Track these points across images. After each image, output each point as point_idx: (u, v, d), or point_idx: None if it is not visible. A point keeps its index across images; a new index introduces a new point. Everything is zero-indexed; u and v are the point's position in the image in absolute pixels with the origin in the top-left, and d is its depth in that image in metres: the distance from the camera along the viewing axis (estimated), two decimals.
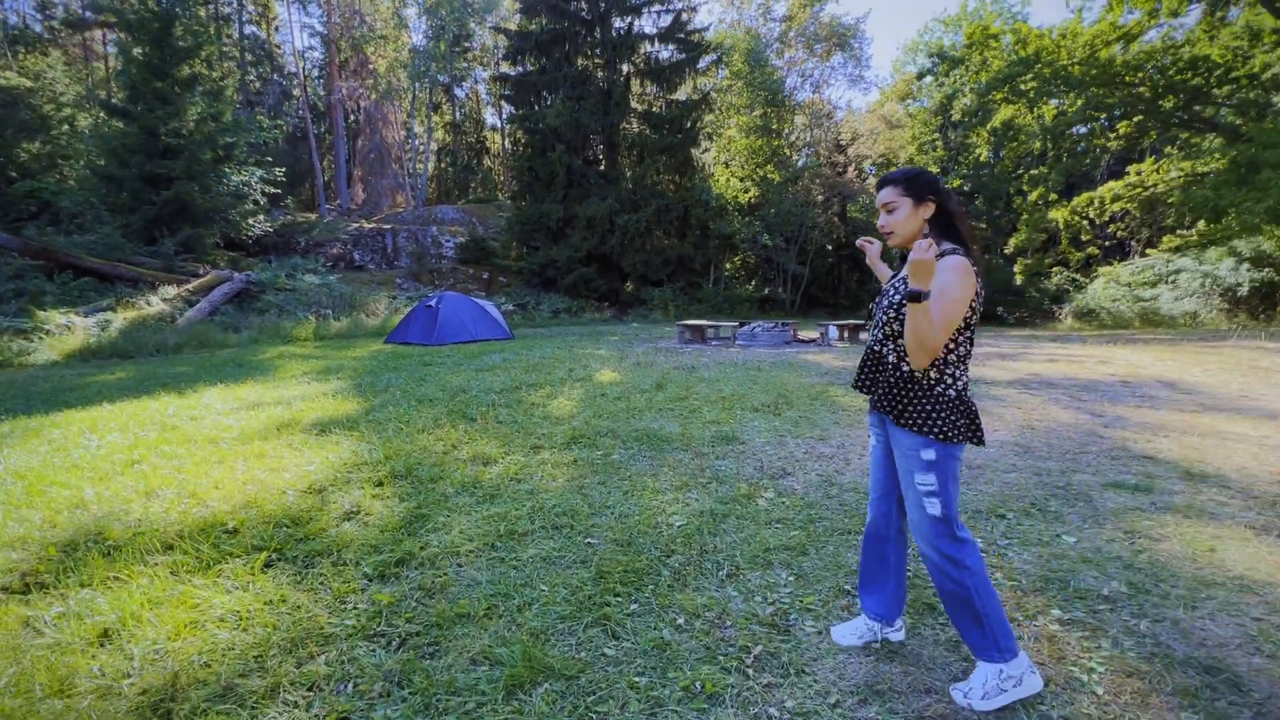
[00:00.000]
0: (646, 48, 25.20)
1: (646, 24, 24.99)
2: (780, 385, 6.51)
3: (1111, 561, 2.64)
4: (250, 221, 20.71)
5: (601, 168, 25.13)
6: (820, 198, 25.66)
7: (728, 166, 26.55)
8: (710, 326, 11.75)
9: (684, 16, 24.19)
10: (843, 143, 27.28)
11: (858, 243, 2.45)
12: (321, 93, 29.35)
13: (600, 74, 24.56)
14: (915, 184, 1.93)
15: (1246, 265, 16.69)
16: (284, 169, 24.28)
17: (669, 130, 24.11)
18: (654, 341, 12.78)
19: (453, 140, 35.10)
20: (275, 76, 32.09)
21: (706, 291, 24.36)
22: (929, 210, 1.93)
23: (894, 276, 2.11)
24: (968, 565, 1.82)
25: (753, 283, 26.37)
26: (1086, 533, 2.95)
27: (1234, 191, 13.34)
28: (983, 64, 20.82)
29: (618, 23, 24.47)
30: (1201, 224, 19.12)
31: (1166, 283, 19.13)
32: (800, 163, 26.69)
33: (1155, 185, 18.52)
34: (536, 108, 24.58)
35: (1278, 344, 9.75)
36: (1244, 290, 16.47)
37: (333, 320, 15.33)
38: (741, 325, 13.62)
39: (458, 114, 35.33)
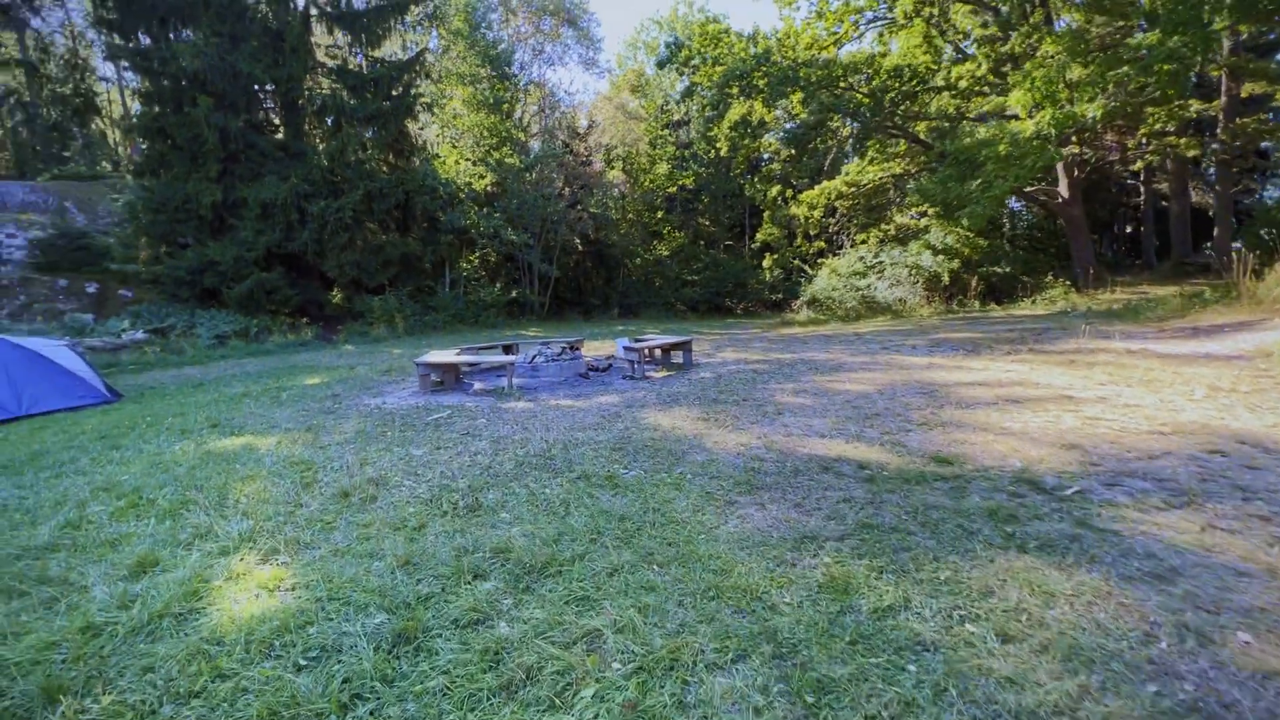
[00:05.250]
0: None
1: None
2: (742, 587, 2.49)
3: None
4: None
5: (280, 136, 17.87)
6: (565, 189, 22.29)
7: (456, 147, 21.43)
8: (468, 363, 7.24)
9: None
10: (580, 129, 24.33)
11: None
12: None
13: (265, 8, 17.23)
14: None
15: (941, 256, 18.21)
16: None
17: (374, 94, 18.08)
18: (378, 388, 7.71)
19: (29, 89, 22.78)
20: None
21: (443, 297, 19.14)
22: None
23: None
24: None
25: (498, 284, 21.89)
26: None
27: (957, 186, 13.59)
28: (715, 60, 19.61)
29: None
30: (899, 218, 20.77)
31: (875, 272, 20.37)
32: (535, 147, 22.92)
33: (867, 183, 19.35)
34: (161, 42, 16.19)
35: (1124, 341, 7.61)
36: (944, 279, 17.90)
37: None
38: (509, 350, 9.32)
39: (29, 50, 23.01)
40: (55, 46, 26.25)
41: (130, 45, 16.14)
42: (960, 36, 16.90)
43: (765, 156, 27.78)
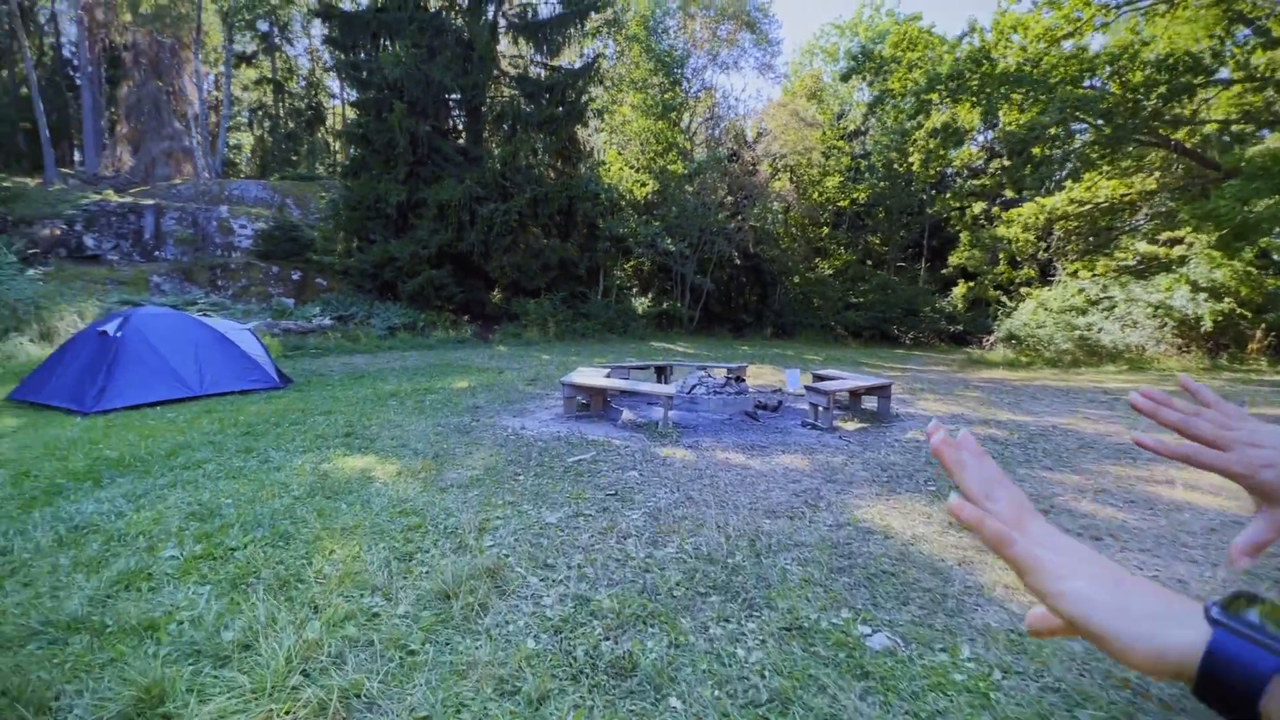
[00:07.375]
0: None
1: None
2: None
3: None
4: None
5: (461, 141, 18.56)
6: (728, 198, 20.93)
7: (621, 153, 21.01)
8: (617, 389, 6.10)
9: None
10: (750, 138, 22.83)
11: None
12: (64, 8, 19.74)
13: (460, 21, 17.97)
14: None
15: (1204, 296, 14.05)
16: None
17: (548, 100, 18.11)
18: (521, 404, 6.88)
19: (274, 103, 26.41)
20: None
21: (595, 305, 18.67)
22: None
23: None
24: None
25: (649, 295, 21.08)
26: None
27: (1259, 204, 10.02)
28: (913, 64, 17.03)
29: None
30: (1143, 245, 16.61)
31: (1099, 309, 16.42)
32: (701, 154, 21.81)
33: (1102, 201, 15.61)
34: (374, 55, 17.47)
35: None
36: (1206, 324, 13.74)
37: None
38: (662, 375, 8.08)
39: (275, 69, 26.62)
40: (299, 68, 30.45)
41: (348, 59, 17.61)
42: (1260, 13, 12.81)
43: (950, 171, 24.31)
